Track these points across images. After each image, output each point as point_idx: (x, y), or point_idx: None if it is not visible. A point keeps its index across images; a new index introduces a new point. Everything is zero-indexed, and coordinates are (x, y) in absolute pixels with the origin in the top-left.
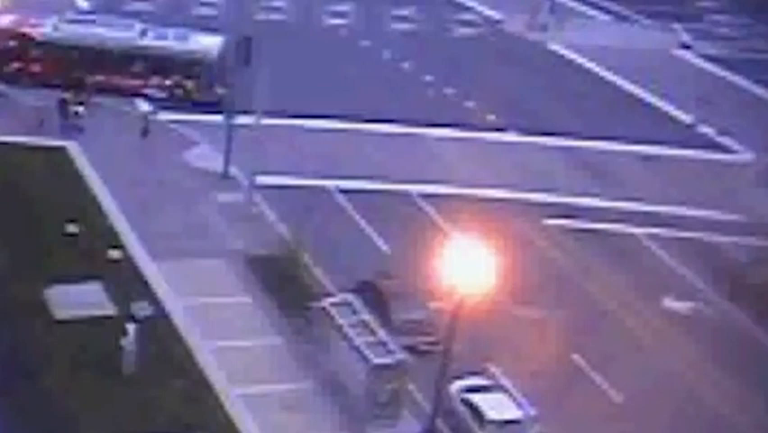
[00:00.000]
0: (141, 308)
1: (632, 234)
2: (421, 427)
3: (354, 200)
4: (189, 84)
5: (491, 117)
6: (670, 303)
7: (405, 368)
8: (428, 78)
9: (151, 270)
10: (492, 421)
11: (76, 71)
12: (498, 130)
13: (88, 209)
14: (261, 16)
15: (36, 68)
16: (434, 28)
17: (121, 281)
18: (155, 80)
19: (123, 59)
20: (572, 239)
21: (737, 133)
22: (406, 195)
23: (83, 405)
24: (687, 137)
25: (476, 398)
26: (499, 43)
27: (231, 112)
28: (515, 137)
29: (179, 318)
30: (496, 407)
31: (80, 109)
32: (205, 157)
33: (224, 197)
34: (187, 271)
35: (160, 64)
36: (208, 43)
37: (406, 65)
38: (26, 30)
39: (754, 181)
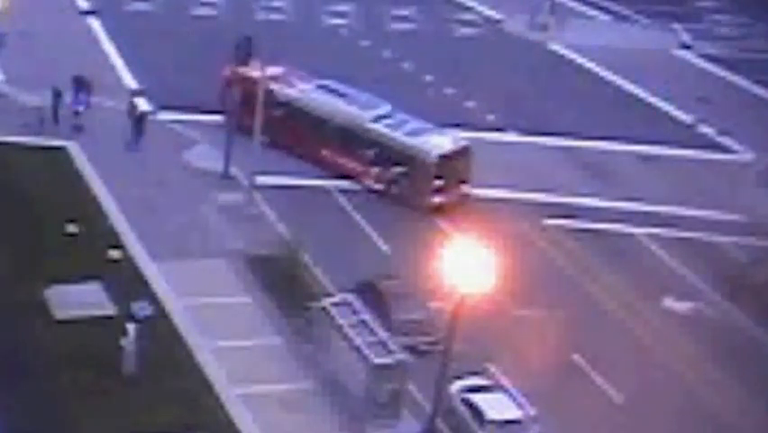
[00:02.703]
0: (141, 308)
1: (632, 234)
2: (421, 427)
3: (354, 200)
4: (405, 183)
5: (491, 117)
6: (670, 303)
7: (405, 368)
8: (428, 78)
9: (151, 270)
10: (492, 421)
11: (306, 139)
12: (498, 130)
13: (88, 209)
14: (261, 16)
15: (272, 126)
16: (434, 28)
17: (121, 281)
18: (375, 170)
19: (351, 139)
20: (572, 239)
21: (737, 133)
22: None
23: (83, 405)
24: (687, 137)
25: (476, 398)
26: (499, 43)
27: (231, 111)
28: (515, 137)
29: (179, 318)
30: (496, 407)
31: (80, 109)
32: (206, 157)
33: (224, 197)
34: (187, 271)
35: (385, 154)
36: (435, 144)
37: (406, 65)
38: (273, 86)
39: (754, 181)
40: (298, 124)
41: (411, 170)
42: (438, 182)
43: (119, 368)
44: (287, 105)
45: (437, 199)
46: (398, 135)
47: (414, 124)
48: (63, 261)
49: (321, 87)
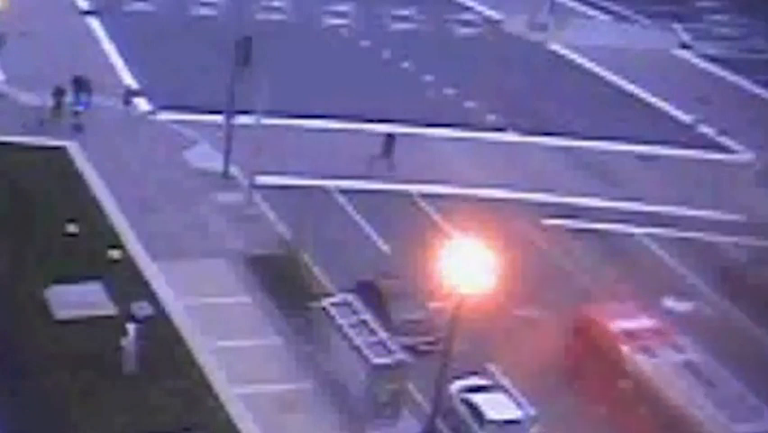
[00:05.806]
0: (141, 308)
1: (632, 235)
2: (421, 427)
3: (354, 200)
4: None
5: (491, 117)
6: (670, 303)
7: (405, 368)
8: (428, 78)
9: (151, 270)
10: (492, 421)
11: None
12: (498, 130)
13: (88, 209)
14: (261, 16)
15: (615, 401)
16: (434, 28)
17: (121, 281)
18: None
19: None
20: (572, 239)
21: (737, 133)
22: (406, 195)
23: (83, 405)
24: (687, 137)
25: (476, 398)
26: (499, 43)
27: (231, 111)
28: (515, 137)
29: (179, 318)
30: (496, 407)
31: (80, 109)
32: (205, 157)
33: (224, 197)
34: (187, 271)
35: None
36: None
37: (406, 65)
38: (625, 348)
39: (754, 181)
40: (646, 409)
41: None
42: None
43: (119, 368)
44: (635, 377)
45: None
46: (682, 398)
47: (733, 386)
48: (63, 261)
49: (688, 365)
